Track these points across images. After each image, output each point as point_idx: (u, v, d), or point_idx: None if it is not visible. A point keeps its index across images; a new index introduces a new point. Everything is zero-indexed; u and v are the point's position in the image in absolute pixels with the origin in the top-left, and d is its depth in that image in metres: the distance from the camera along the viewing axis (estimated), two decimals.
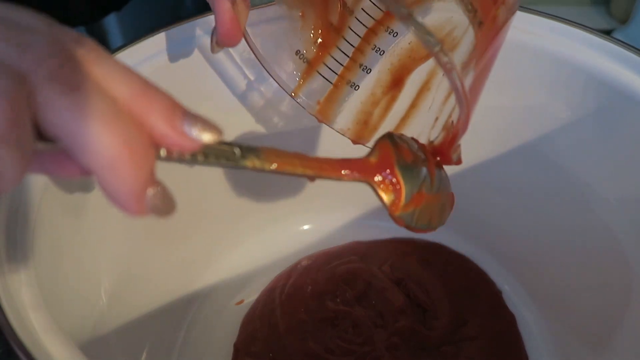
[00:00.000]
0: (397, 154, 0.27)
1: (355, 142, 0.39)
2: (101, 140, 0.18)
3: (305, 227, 0.54)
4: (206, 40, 0.41)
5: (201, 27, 0.41)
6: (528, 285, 0.49)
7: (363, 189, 0.56)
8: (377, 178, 0.26)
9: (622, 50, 0.38)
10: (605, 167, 0.41)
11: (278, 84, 0.38)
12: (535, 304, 0.48)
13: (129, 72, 0.20)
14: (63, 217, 0.35)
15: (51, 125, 0.18)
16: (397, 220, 0.26)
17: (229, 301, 0.49)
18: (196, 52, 0.41)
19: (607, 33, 0.39)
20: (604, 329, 0.41)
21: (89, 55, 0.19)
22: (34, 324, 0.27)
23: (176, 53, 0.40)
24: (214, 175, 0.46)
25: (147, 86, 0.20)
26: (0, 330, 0.26)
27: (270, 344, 0.45)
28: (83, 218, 0.37)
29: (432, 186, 0.28)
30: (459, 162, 0.30)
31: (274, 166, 0.22)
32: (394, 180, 0.26)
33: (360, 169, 0.25)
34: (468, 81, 0.23)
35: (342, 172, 0.25)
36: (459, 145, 0.29)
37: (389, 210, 0.26)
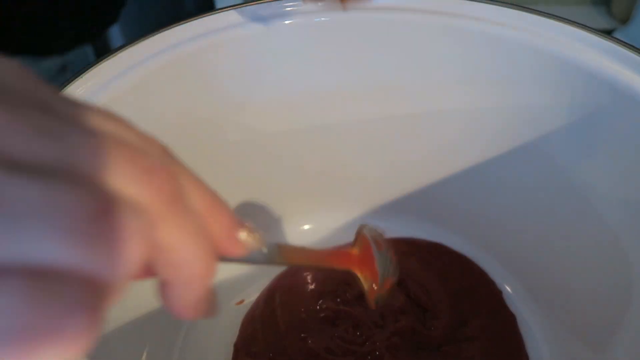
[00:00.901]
0: (373, 244, 0.31)
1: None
2: (195, 256, 0.18)
3: (305, 227, 0.54)
4: (207, 41, 0.41)
5: (201, 27, 0.41)
6: (528, 285, 0.49)
7: (363, 189, 0.56)
8: (361, 269, 0.30)
9: (622, 50, 0.38)
10: (605, 167, 0.40)
11: None
12: (535, 304, 0.48)
13: (202, 183, 0.20)
14: None
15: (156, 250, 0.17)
16: (371, 303, 0.30)
17: (229, 301, 0.49)
18: (196, 52, 0.41)
19: (607, 33, 0.39)
20: (604, 329, 0.41)
21: (178, 167, 0.19)
22: None
23: (176, 53, 0.40)
24: (213, 176, 0.46)
25: (216, 197, 0.20)
26: None
27: (270, 344, 0.45)
28: None
29: (393, 271, 0.32)
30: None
31: (290, 261, 0.27)
32: (373, 270, 0.30)
33: (349, 261, 0.29)
34: None
35: (337, 264, 0.29)
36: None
37: (368, 295, 0.30)
